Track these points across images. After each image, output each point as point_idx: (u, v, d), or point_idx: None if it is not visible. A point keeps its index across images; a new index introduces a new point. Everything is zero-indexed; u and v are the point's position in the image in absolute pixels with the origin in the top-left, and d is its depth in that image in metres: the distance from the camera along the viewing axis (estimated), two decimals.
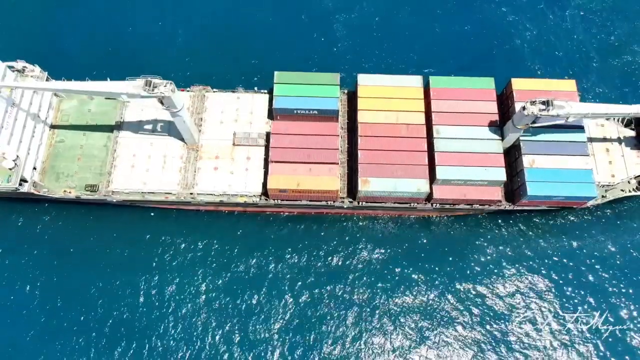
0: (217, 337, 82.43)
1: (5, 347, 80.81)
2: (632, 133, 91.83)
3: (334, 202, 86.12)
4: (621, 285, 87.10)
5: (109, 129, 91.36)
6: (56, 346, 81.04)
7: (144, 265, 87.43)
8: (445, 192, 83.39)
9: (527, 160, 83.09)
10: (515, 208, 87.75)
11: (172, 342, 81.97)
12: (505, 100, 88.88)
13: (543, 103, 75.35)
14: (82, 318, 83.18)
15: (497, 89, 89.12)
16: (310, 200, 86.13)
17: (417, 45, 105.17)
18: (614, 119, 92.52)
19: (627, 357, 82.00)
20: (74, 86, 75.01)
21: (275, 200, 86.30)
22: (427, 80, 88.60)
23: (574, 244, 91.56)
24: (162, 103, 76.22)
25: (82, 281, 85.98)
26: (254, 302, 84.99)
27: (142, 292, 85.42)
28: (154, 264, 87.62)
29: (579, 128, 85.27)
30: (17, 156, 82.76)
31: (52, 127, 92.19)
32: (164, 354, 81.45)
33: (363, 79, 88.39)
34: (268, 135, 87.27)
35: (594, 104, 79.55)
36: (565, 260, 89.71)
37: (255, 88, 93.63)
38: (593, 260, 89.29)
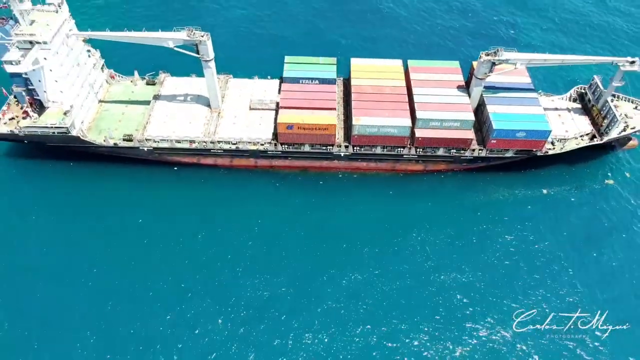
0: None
1: None
2: (579, 105, 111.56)
3: (332, 146, 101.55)
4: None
5: (147, 103, 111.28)
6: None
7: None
8: (425, 132, 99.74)
9: (490, 109, 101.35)
10: (487, 155, 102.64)
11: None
12: (470, 82, 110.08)
13: (494, 53, 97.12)
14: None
15: (464, 77, 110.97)
16: (312, 146, 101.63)
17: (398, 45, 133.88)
18: (563, 97, 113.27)
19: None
20: (134, 35, 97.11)
21: (283, 146, 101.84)
22: (406, 63, 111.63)
23: (544, 190, 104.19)
24: (198, 52, 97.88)
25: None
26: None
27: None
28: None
29: (531, 90, 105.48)
30: (72, 105, 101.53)
31: (100, 102, 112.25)
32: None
33: (355, 61, 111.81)
34: (278, 104, 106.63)
35: (535, 54, 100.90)
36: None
37: (269, 77, 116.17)
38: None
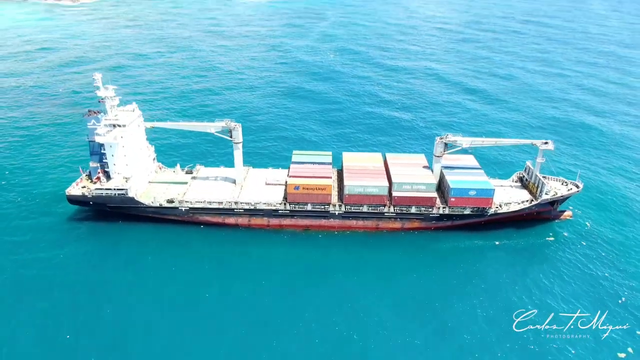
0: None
1: None
2: (519, 184, 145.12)
3: (328, 205, 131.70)
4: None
5: (186, 183, 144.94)
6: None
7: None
8: (400, 193, 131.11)
9: (449, 178, 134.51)
10: (450, 212, 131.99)
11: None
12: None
13: (445, 137, 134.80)
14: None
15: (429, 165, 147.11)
16: (313, 205, 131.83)
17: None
18: (507, 180, 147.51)
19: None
20: (185, 123, 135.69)
21: (291, 205, 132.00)
22: (384, 155, 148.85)
23: (497, 242, 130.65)
24: (231, 136, 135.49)
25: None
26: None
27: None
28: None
29: (478, 168, 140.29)
30: (132, 175, 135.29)
31: (149, 182, 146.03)
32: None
33: (346, 154, 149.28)
34: (287, 181, 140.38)
35: (475, 137, 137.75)
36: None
37: (280, 168, 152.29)
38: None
